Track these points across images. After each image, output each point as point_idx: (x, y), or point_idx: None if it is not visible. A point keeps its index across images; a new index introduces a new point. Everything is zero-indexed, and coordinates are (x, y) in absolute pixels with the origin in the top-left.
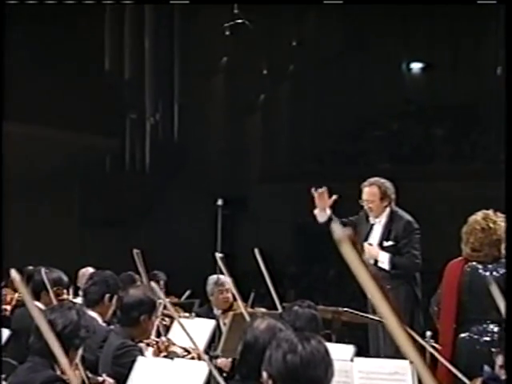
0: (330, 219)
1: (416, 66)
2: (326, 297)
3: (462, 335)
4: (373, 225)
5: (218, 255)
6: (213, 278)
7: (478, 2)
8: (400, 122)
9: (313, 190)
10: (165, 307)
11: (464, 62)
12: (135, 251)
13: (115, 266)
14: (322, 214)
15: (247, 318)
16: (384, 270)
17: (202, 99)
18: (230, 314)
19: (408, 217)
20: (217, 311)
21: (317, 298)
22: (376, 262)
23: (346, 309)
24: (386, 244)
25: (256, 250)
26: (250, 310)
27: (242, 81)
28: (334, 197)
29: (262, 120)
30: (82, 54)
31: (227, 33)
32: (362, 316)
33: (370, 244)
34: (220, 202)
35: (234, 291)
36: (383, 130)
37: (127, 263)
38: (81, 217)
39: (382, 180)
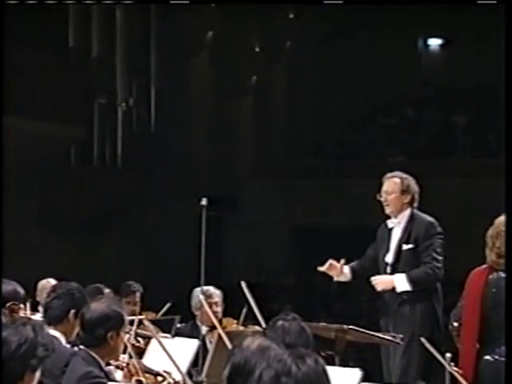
0: (353, 273)
1: (434, 43)
2: (328, 312)
3: (486, 357)
4: (391, 229)
5: (243, 283)
6: (199, 289)
7: (478, 1)
8: (416, 109)
9: (319, 268)
10: (139, 324)
11: (490, 36)
12: None
13: (81, 277)
14: (343, 277)
15: (237, 336)
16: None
17: (184, 81)
18: (217, 332)
19: (431, 218)
20: (203, 328)
21: (318, 313)
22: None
23: (351, 326)
24: (405, 247)
25: (243, 284)
26: (241, 327)
27: (230, 60)
28: (342, 261)
29: (254, 106)
30: (42, 26)
31: (212, 4)
32: (370, 335)
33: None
34: (204, 202)
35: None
36: (396, 118)
37: (96, 273)
38: (41, 218)
39: (405, 175)
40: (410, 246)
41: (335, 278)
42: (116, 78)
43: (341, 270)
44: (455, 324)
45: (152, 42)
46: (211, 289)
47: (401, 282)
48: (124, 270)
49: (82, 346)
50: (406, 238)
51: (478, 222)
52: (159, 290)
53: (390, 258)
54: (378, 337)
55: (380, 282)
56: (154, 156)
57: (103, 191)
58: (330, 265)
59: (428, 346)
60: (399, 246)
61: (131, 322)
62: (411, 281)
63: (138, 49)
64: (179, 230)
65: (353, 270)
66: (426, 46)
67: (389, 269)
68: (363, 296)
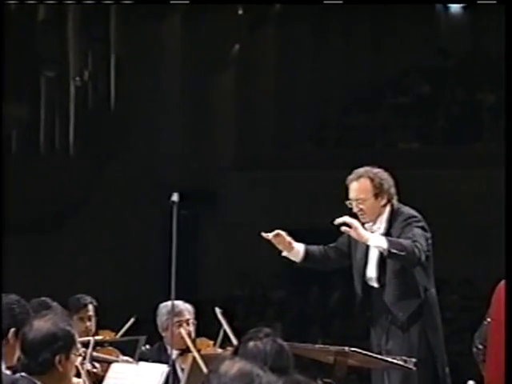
0: (306, 255)
1: (455, 5)
2: (326, 331)
3: None
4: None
5: (218, 310)
6: (166, 305)
7: (478, 1)
8: (433, 84)
9: (263, 234)
10: (96, 346)
11: None
12: None
13: (24, 289)
14: (293, 253)
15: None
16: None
17: (151, 50)
18: (191, 355)
19: (413, 212)
20: (172, 352)
21: (314, 333)
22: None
23: (354, 349)
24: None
25: (217, 310)
26: (218, 350)
27: (207, 24)
28: (278, 231)
29: (237, 80)
30: None
31: None
32: (377, 359)
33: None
34: (176, 198)
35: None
36: (409, 96)
37: (41, 284)
38: None
39: (375, 170)
40: None
41: (283, 253)
42: (67, 46)
43: (290, 244)
44: (480, 346)
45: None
46: (180, 304)
47: (377, 238)
48: (75, 279)
49: (23, 373)
50: None
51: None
52: (119, 305)
53: (372, 271)
54: (386, 361)
55: (355, 229)
56: (114, 141)
57: (51, 184)
58: (278, 234)
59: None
60: (381, 255)
61: (86, 344)
62: (390, 241)
63: (95, 10)
64: (144, 232)
65: (307, 252)
66: (446, 8)
67: (374, 283)
68: (369, 311)
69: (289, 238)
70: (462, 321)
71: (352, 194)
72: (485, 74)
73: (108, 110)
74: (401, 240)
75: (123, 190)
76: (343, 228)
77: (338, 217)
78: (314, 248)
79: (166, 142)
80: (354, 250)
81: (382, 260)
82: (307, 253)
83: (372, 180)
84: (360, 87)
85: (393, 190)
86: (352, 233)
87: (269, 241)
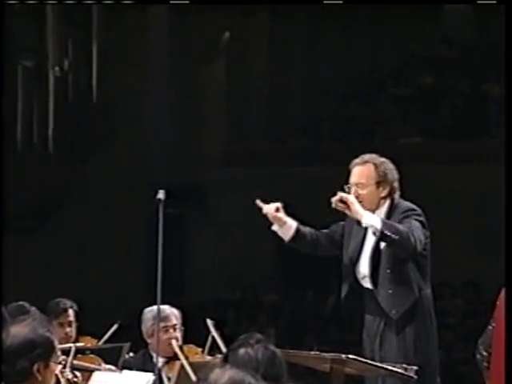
0: (296, 233)
1: None
2: (323, 338)
3: None
4: (366, 229)
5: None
6: (151, 309)
7: (478, 1)
8: (436, 74)
9: (258, 202)
10: (77, 354)
11: None
12: None
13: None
14: (284, 229)
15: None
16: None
17: (136, 38)
18: (178, 363)
19: (411, 205)
20: (158, 360)
21: (309, 339)
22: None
23: (352, 356)
24: (383, 244)
25: (209, 322)
26: (207, 357)
27: (195, 11)
28: (277, 204)
29: (227, 70)
30: None
31: None
32: (376, 366)
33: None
34: (162, 196)
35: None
36: (410, 87)
37: (18, 287)
38: None
39: (382, 159)
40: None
41: (273, 227)
42: (46, 33)
43: (282, 219)
44: (484, 353)
45: None
46: (167, 309)
47: (371, 216)
48: (55, 282)
49: (1, 382)
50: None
51: None
52: (102, 310)
53: (365, 267)
54: (385, 369)
55: (351, 204)
56: (96, 136)
57: (29, 182)
58: (278, 209)
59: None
60: (376, 247)
61: (66, 351)
62: (384, 222)
63: None
64: (128, 232)
65: (298, 231)
66: None
67: (367, 283)
68: (358, 314)
69: (282, 212)
70: (466, 327)
71: (353, 178)
72: (491, 64)
73: (90, 102)
74: (396, 224)
75: (105, 188)
76: (339, 205)
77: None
78: (306, 229)
79: (152, 136)
80: (347, 242)
81: (377, 254)
82: (298, 231)
83: (377, 167)
84: (358, 77)
85: (396, 184)
86: (347, 210)
87: (262, 238)
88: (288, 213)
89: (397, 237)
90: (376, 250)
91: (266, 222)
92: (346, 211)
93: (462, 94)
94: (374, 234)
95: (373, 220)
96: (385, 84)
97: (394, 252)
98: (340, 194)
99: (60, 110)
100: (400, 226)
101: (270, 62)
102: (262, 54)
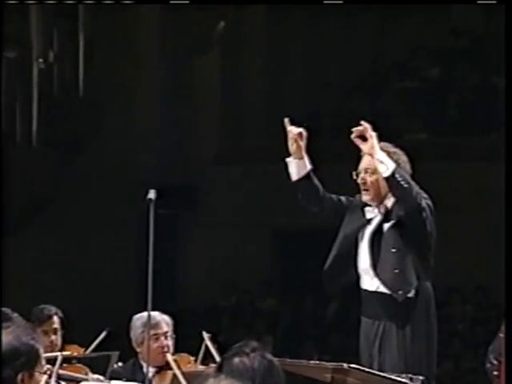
0: (308, 176)
1: None
2: (323, 346)
3: None
4: (370, 220)
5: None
6: (141, 316)
7: (478, 1)
8: (443, 67)
9: (286, 120)
10: (63, 363)
11: None
12: None
13: None
14: (298, 164)
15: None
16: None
17: (125, 29)
18: (170, 373)
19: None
20: (148, 369)
21: (309, 347)
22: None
23: (354, 365)
24: (386, 226)
25: (205, 335)
26: (200, 367)
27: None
28: (302, 130)
29: (222, 63)
30: None
31: None
32: (379, 376)
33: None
34: (153, 195)
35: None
36: (416, 80)
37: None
38: None
39: (397, 149)
40: (392, 222)
41: (287, 159)
42: (30, 23)
43: (301, 149)
44: (494, 362)
45: None
46: (157, 315)
47: (385, 156)
48: (39, 287)
49: None
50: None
51: None
52: (89, 316)
53: (365, 259)
54: (389, 378)
55: (370, 137)
56: (82, 131)
57: (11, 179)
58: (301, 134)
59: None
60: (376, 234)
61: (51, 360)
62: (398, 167)
63: None
64: (117, 233)
65: (310, 175)
66: None
67: (367, 275)
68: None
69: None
70: (476, 334)
71: (363, 164)
72: (501, 56)
73: (76, 95)
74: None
75: (93, 187)
76: (356, 140)
77: None
78: (318, 182)
79: (142, 132)
80: (347, 222)
81: (378, 237)
82: (309, 176)
83: (389, 154)
84: (361, 70)
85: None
86: (363, 145)
87: (259, 239)
88: (288, 212)
89: (406, 185)
90: (376, 233)
91: (263, 218)
92: (362, 146)
93: (471, 87)
94: (376, 232)
95: (387, 159)
96: (388, 77)
97: (399, 204)
98: (364, 124)
99: (44, 103)
100: (411, 181)
101: (267, 55)
102: (259, 47)
